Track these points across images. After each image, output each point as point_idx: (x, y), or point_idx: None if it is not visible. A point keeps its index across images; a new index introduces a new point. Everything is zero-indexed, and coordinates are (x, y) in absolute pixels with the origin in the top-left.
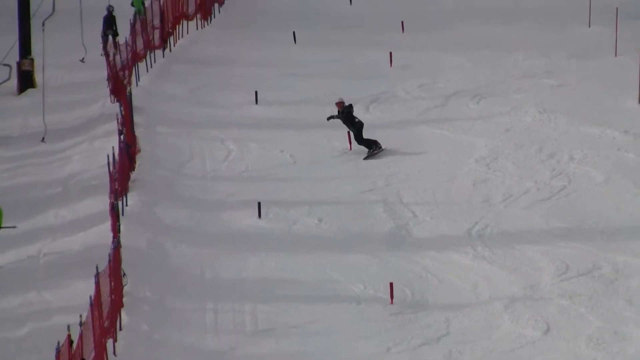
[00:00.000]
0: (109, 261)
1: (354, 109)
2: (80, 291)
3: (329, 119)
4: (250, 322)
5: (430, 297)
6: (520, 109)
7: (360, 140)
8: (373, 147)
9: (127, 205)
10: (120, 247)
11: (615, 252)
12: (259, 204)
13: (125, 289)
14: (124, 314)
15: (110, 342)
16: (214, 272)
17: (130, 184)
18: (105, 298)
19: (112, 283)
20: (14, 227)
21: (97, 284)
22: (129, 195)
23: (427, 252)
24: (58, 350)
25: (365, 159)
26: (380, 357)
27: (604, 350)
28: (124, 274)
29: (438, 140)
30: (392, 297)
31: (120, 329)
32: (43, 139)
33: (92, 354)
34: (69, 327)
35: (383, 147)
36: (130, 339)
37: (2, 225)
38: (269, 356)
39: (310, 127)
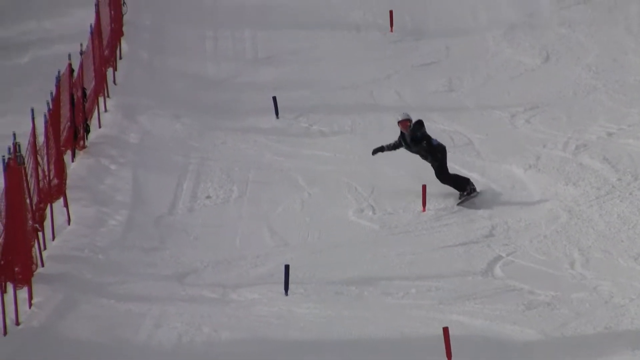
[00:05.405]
0: None
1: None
2: (80, 20)
3: (375, 152)
4: (249, 49)
5: (431, 24)
6: None
7: (443, 176)
8: (467, 189)
9: None
10: None
11: None
12: None
13: (125, 17)
14: (123, 42)
15: (110, 70)
16: None
17: None
18: (105, 27)
19: (112, 12)
20: None
21: (97, 13)
22: None
23: None
24: (58, 79)
25: (458, 204)
26: (380, 83)
27: (603, 78)
28: (124, 3)
29: None
30: (392, 24)
31: (120, 58)
32: None
33: (93, 83)
34: (69, 56)
35: (478, 189)
36: (130, 68)
37: None
38: (269, 83)
39: None
